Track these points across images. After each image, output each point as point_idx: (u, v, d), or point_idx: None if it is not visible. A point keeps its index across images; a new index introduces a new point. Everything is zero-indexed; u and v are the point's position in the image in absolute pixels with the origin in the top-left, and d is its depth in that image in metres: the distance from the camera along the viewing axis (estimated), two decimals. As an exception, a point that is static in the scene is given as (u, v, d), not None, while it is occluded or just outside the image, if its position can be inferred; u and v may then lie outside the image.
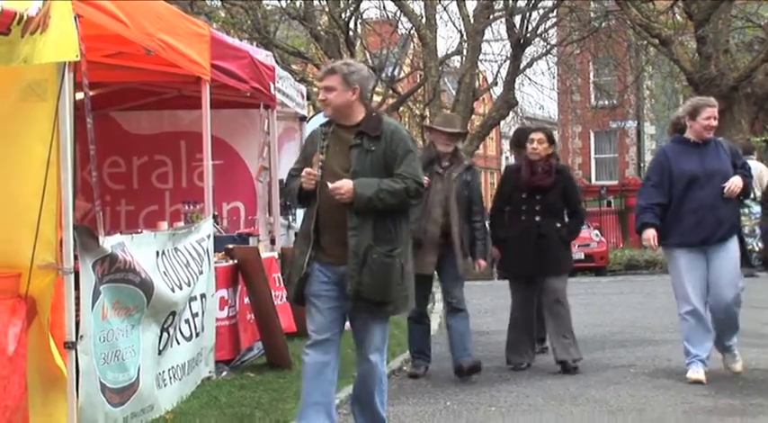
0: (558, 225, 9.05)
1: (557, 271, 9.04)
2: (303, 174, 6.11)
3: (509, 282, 9.43)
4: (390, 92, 30.54)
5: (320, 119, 15.70)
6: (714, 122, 8.43)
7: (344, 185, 5.93)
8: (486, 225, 9.08)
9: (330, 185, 5.95)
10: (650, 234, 8.28)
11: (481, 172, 9.53)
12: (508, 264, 9.23)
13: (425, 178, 8.02)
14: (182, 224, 9.14)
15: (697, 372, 8.19)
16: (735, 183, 8.19)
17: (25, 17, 4.83)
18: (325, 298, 6.12)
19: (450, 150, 8.89)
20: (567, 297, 9.08)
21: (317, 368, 6.16)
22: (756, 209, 8.29)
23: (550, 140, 9.20)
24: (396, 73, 31.40)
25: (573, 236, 9.29)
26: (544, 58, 30.24)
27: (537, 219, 8.99)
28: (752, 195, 8.74)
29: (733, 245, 8.26)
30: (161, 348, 7.02)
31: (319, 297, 6.13)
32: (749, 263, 8.45)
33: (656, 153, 9.44)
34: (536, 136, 9.15)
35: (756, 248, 8.42)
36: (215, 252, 8.35)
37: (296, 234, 6.33)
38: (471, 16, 26.99)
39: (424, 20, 26.59)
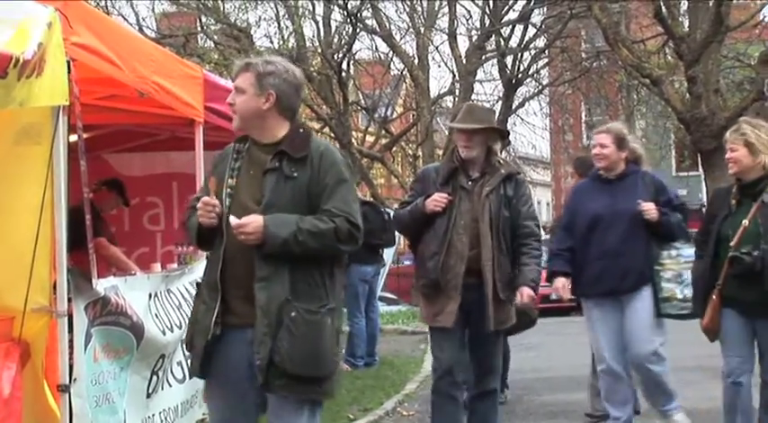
0: None
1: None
2: (199, 205, 4.71)
3: None
4: (383, 132, 30.67)
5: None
6: (599, 150, 7.34)
7: (252, 222, 4.54)
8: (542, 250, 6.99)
9: (233, 222, 4.59)
10: (560, 283, 7.36)
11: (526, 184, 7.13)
12: None
13: (446, 195, 6.55)
14: (175, 266, 9.13)
15: None
16: (649, 205, 7.18)
17: (21, 60, 4.85)
18: (233, 376, 4.69)
19: (474, 155, 6.67)
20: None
21: None
22: (689, 252, 7.18)
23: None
24: (388, 113, 31.55)
25: None
26: (536, 98, 30.48)
27: None
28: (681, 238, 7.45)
29: (647, 294, 7.27)
30: (150, 391, 6.97)
31: (224, 375, 4.71)
32: (659, 313, 7.27)
33: None
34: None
35: (680, 296, 7.18)
36: (208, 293, 8.32)
37: (199, 284, 5.05)
38: (463, 57, 27.15)
39: (416, 60, 26.74)
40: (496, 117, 27.80)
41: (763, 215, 6.42)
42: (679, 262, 7.21)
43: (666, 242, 7.32)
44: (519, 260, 6.65)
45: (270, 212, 4.59)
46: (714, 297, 6.51)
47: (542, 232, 6.74)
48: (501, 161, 6.80)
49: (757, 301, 6.37)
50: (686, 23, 23.25)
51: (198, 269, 8.00)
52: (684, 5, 24.20)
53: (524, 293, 6.59)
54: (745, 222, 6.42)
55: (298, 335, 4.50)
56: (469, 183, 6.65)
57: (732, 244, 6.41)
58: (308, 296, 4.59)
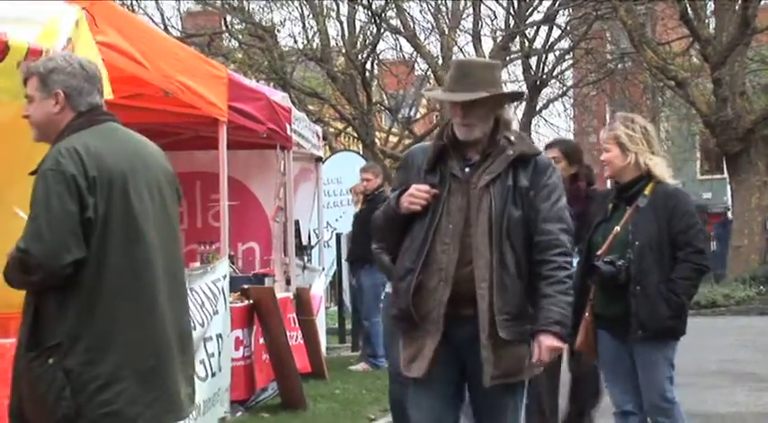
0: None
1: None
2: None
3: None
4: (406, 132, 30.66)
5: (335, 160, 15.80)
6: None
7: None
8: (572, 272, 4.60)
9: None
10: None
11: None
12: None
13: (427, 187, 4.47)
14: (198, 264, 9.16)
15: None
16: None
17: (51, 53, 4.89)
18: None
19: (477, 136, 4.51)
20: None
21: None
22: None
23: (570, 158, 6.94)
24: (412, 114, 31.54)
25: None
26: (560, 99, 30.43)
27: None
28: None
29: None
30: (173, 389, 6.96)
31: None
32: None
33: None
34: (549, 153, 6.48)
35: None
36: (230, 292, 8.36)
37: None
38: (487, 57, 27.13)
39: (440, 61, 26.73)
40: (521, 118, 28.09)
41: (635, 222, 5.60)
42: None
43: None
44: (537, 287, 4.44)
45: None
46: (587, 314, 5.66)
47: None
48: (511, 138, 4.57)
49: (621, 316, 5.54)
50: (712, 25, 23.19)
51: (219, 268, 8.04)
52: (711, 7, 24.13)
53: (543, 346, 4.38)
54: (617, 228, 5.62)
55: (28, 387, 3.83)
56: (466, 170, 4.51)
57: (599, 252, 5.61)
58: (34, 337, 3.81)
